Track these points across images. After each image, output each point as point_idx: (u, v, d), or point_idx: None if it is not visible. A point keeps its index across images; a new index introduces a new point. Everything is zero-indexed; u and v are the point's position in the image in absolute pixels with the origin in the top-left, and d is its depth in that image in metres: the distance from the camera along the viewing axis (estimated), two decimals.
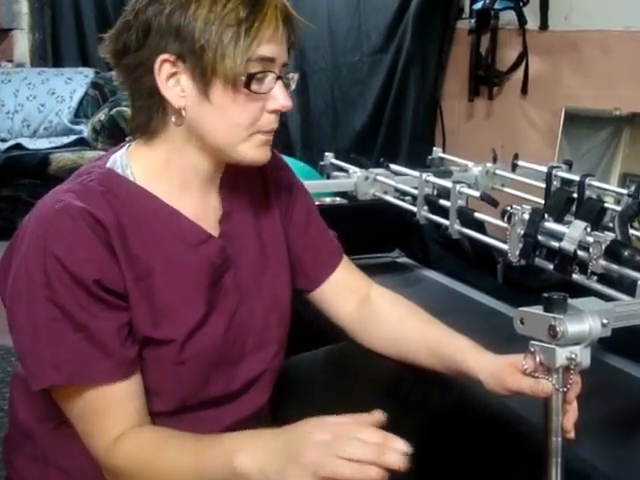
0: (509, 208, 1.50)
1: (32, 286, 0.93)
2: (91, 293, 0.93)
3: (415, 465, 1.21)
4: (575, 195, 1.90)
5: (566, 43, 2.97)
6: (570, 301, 1.04)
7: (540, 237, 1.43)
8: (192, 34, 0.94)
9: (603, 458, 1.18)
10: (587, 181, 1.89)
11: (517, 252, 1.47)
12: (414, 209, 1.93)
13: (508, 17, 3.08)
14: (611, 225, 1.63)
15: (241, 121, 0.99)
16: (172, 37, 0.95)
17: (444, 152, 2.63)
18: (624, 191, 1.80)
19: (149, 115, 1.00)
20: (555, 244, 1.38)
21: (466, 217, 1.69)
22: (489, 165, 2.23)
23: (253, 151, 1.01)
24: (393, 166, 2.14)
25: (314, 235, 1.20)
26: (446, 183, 1.79)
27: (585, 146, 2.86)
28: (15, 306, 0.95)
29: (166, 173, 1.02)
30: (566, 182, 1.99)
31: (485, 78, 3.16)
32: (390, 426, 1.17)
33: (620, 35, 2.82)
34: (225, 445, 0.91)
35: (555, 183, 2.02)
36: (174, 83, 0.97)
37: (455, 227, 1.71)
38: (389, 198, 2.07)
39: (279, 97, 0.99)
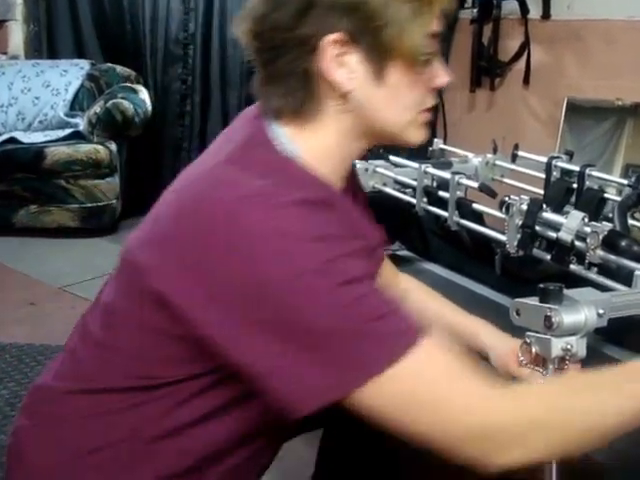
0: (507, 199, 1.47)
1: (320, 293, 0.80)
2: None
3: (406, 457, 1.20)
4: (575, 185, 1.88)
5: (569, 33, 2.96)
6: (566, 292, 1.02)
7: (538, 228, 1.40)
8: (369, 11, 0.87)
9: (600, 449, 1.16)
10: (587, 171, 1.86)
11: (515, 243, 1.44)
12: (414, 201, 1.90)
13: (510, 7, 3.07)
14: (611, 216, 1.60)
15: (412, 101, 0.95)
16: (342, 14, 0.87)
17: (445, 143, 2.60)
18: (624, 181, 1.78)
19: (302, 99, 0.92)
20: (553, 235, 1.36)
21: (465, 208, 1.66)
22: (489, 156, 2.20)
23: (418, 131, 0.98)
24: (393, 157, 2.12)
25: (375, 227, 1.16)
26: (445, 174, 1.77)
27: (588, 137, 2.85)
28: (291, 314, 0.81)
29: (324, 162, 0.94)
30: (566, 172, 1.96)
31: (487, 69, 3.15)
32: None
33: (623, 25, 2.81)
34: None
35: (555, 174, 1.99)
36: (340, 64, 0.89)
37: (454, 219, 1.68)
38: (389, 190, 2.04)
39: (441, 73, 0.96)
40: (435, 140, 2.49)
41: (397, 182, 2.05)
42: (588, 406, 0.87)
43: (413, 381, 0.82)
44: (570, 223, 1.31)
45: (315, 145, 0.94)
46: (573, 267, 1.31)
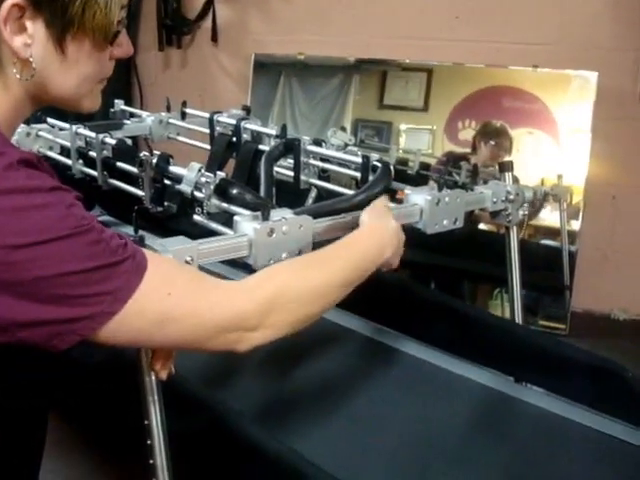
0: (142, 155, 1.48)
1: None
2: None
3: None
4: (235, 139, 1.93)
5: None
6: (151, 242, 1.04)
7: (168, 182, 1.42)
8: None
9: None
10: (243, 124, 1.92)
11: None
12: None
13: None
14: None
15: (92, 72, 0.92)
16: None
17: (142, 104, 2.57)
18: (274, 132, 1.85)
19: None
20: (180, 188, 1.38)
21: (111, 167, 1.65)
22: (163, 114, 2.20)
23: (94, 100, 0.96)
24: (51, 120, 2.04)
25: None
26: (92, 134, 1.74)
27: (320, 93, 2.94)
28: None
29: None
30: (231, 127, 2.00)
31: (174, 27, 3.13)
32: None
33: None
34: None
35: (219, 129, 2.04)
36: (20, 30, 0.84)
37: (103, 178, 1.67)
38: (52, 154, 1.97)
39: (124, 43, 0.94)
40: (116, 101, 2.46)
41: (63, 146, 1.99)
42: (315, 280, 1.01)
43: (159, 295, 0.86)
44: (189, 175, 1.34)
45: None
46: (196, 217, 1.34)
